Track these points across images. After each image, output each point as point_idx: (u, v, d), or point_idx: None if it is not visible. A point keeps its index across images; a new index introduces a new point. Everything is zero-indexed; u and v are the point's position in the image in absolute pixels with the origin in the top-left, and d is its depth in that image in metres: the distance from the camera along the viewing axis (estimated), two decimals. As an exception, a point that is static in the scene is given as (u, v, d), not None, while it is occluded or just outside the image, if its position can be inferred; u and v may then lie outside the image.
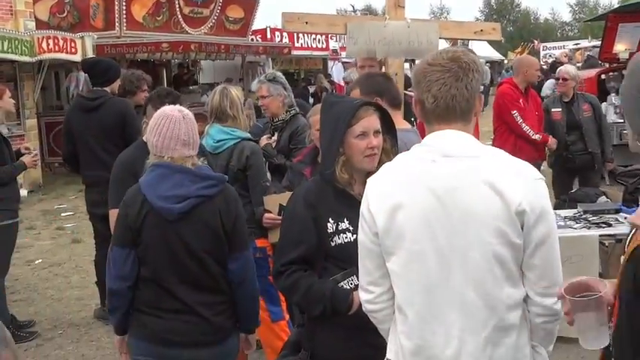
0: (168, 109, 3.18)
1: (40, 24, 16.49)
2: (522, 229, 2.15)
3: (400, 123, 3.72)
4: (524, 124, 6.89)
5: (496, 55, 45.28)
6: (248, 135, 4.71)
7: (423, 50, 5.29)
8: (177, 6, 18.72)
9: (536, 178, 2.22)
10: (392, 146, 3.00)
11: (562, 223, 5.33)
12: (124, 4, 17.07)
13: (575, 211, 5.87)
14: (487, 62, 36.05)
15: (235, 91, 4.69)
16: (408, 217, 2.22)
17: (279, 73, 5.45)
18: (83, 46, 14.37)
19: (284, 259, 2.94)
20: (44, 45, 13.39)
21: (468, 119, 2.29)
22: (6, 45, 12.47)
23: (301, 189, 3.10)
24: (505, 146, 6.96)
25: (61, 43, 13.76)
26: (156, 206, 3.03)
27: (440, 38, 5.43)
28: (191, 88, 20.06)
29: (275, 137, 5.40)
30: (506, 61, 45.02)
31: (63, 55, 13.84)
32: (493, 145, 7.20)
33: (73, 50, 14.09)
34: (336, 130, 2.89)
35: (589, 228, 5.40)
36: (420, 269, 2.23)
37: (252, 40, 20.89)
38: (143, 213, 3.06)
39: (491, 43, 52.14)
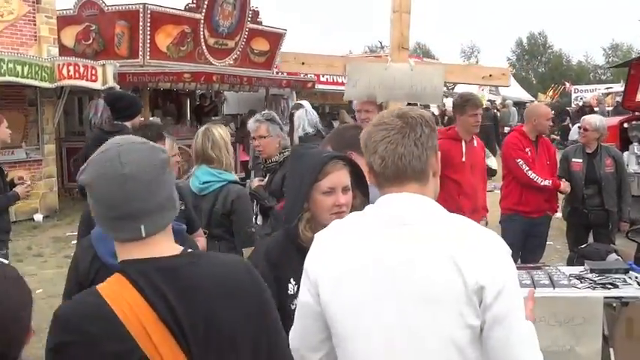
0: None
1: (65, 50, 16.67)
2: (480, 306, 1.91)
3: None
4: (530, 172, 6.61)
5: (526, 96, 44.91)
6: (235, 177, 4.54)
7: (427, 95, 5.11)
8: (202, 37, 18.80)
9: (501, 251, 1.98)
10: (362, 203, 2.78)
11: (566, 282, 5.03)
12: (148, 33, 17.16)
13: (581, 268, 5.57)
14: (515, 104, 35.72)
15: (220, 131, 4.53)
16: (354, 287, 1.99)
17: (274, 114, 5.28)
18: (104, 74, 14.41)
19: None
20: (64, 71, 13.44)
21: (424, 180, 2.07)
22: (26, 70, 12.54)
23: (262, 246, 2.89)
24: (511, 196, 6.70)
25: (81, 70, 13.81)
26: (107, 263, 2.77)
27: (446, 83, 5.23)
28: (213, 118, 20.07)
29: (267, 179, 5.22)
30: (536, 103, 44.65)
31: (83, 82, 13.88)
32: (501, 194, 6.95)
33: (94, 77, 14.13)
34: (302, 185, 2.70)
35: (593, 288, 5.09)
36: (363, 349, 2.00)
37: (276, 73, 20.84)
38: (94, 270, 2.85)
39: (521, 84, 51.99)
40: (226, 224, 4.41)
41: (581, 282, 5.21)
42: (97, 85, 14.22)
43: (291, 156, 2.95)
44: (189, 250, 2.01)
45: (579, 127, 7.57)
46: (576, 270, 5.50)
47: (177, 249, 1.97)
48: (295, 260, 2.67)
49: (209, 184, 4.44)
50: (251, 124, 5.16)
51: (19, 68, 12.38)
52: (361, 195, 2.80)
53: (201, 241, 4.14)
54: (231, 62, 20.12)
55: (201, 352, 1.79)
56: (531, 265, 5.39)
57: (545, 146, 6.87)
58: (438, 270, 1.91)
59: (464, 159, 5.90)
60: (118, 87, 15.12)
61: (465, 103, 5.95)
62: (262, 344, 1.90)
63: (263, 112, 5.25)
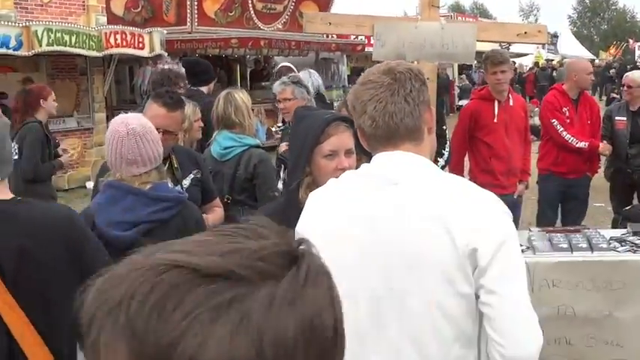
0: (117, 123, 2.88)
1: (115, 19, 16.80)
2: (474, 273, 1.79)
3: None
4: (565, 133, 6.29)
5: (587, 55, 43.57)
6: (257, 142, 4.47)
7: (458, 54, 4.92)
8: (250, 2, 18.69)
9: (497, 211, 1.85)
10: None
11: (605, 245, 4.82)
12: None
13: (623, 231, 5.34)
14: (575, 62, 34.66)
15: (241, 96, 4.45)
16: (341, 248, 1.88)
17: (301, 76, 5.17)
18: (151, 41, 14.46)
19: None
20: (112, 40, 13.54)
21: (418, 138, 1.95)
22: (74, 39, 12.67)
23: (262, 211, 2.82)
24: (547, 157, 6.45)
25: (128, 38, 13.88)
26: (105, 233, 2.77)
27: (478, 41, 5.02)
28: (263, 84, 20.04)
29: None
30: (597, 61, 43.33)
31: (130, 50, 13.96)
32: (539, 154, 6.69)
33: (141, 45, 14.20)
34: (303, 148, 2.58)
35: (635, 252, 4.88)
36: (349, 312, 1.91)
37: (326, 36, 20.64)
38: None
39: (583, 42, 50.45)
40: (249, 189, 4.34)
41: (622, 245, 4.99)
42: (145, 53, 14.29)
43: (293, 118, 2.83)
44: (19, 198, 2.35)
45: (623, 85, 7.18)
46: (618, 233, 5.28)
47: (8, 195, 2.31)
48: (296, 226, 2.60)
49: (231, 149, 4.37)
50: (276, 86, 5.07)
51: (67, 37, 12.51)
52: (367, 159, 2.69)
53: (217, 211, 4.07)
54: (280, 27, 19.98)
55: (12, 277, 2.17)
56: (570, 228, 5.18)
57: (587, 104, 6.53)
58: (425, 231, 1.80)
59: (496, 120, 5.68)
60: (165, 54, 15.19)
61: (485, 60, 5.72)
62: (72, 279, 2.15)
63: (290, 75, 5.15)
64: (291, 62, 21.48)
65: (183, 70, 6.77)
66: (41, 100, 6.18)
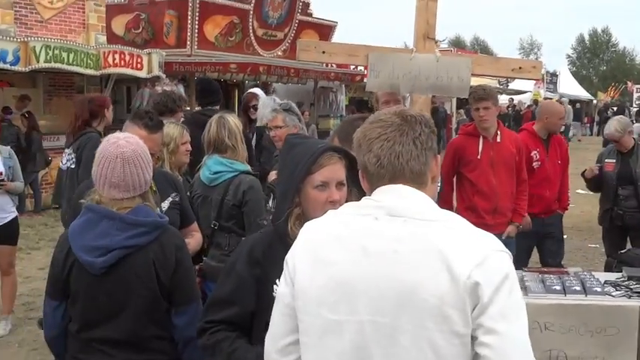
0: (109, 143, 2.77)
1: (115, 38, 16.85)
2: (473, 311, 1.70)
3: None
4: None
5: (585, 95, 43.82)
6: (247, 168, 4.36)
7: (452, 87, 4.85)
8: (250, 28, 18.79)
9: (498, 249, 1.77)
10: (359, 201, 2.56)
11: (599, 289, 4.71)
12: (196, 23, 17.21)
13: (618, 275, 5.23)
14: (573, 102, 34.81)
15: (234, 120, 4.36)
16: (332, 277, 1.82)
17: (293, 104, 5.09)
18: (150, 62, 14.44)
19: (211, 316, 2.53)
20: (110, 59, 13.51)
21: (422, 182, 1.88)
22: (72, 57, 12.64)
23: (247, 241, 2.69)
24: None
25: (127, 58, 13.86)
26: (80, 259, 2.68)
27: (475, 75, 4.96)
28: (260, 110, 20.05)
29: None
30: (595, 102, 43.58)
31: (128, 71, 13.93)
32: None
33: (139, 66, 14.17)
34: (293, 177, 2.47)
35: (630, 297, 4.77)
36: (334, 346, 1.81)
37: (325, 65, 20.71)
38: (68, 264, 2.72)
39: (581, 82, 50.72)
40: (237, 216, 4.24)
41: (617, 289, 4.89)
42: (143, 74, 14.27)
43: (283, 146, 2.72)
44: None
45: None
46: (612, 276, 5.17)
47: None
48: (282, 260, 2.48)
49: (220, 174, 4.27)
50: (267, 113, 4.99)
51: (64, 55, 12.48)
52: (357, 192, 2.58)
53: (196, 235, 3.97)
54: (280, 54, 20.06)
55: None
56: (564, 270, 5.08)
57: (557, 144, 6.49)
58: (423, 265, 1.73)
59: (479, 156, 5.54)
60: (164, 76, 15.20)
61: (470, 95, 5.45)
62: None
63: (281, 102, 5.07)
64: (290, 90, 21.67)
65: (182, 91, 6.74)
66: (105, 110, 6.02)
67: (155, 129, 3.62)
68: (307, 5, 21.15)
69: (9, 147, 6.98)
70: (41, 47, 12.02)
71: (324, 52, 4.64)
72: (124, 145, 2.74)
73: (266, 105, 5.40)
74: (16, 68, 11.84)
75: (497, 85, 31.21)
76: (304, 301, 1.86)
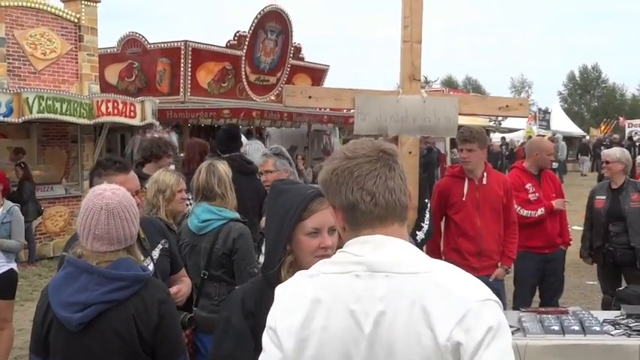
0: (94, 194, 2.71)
1: (109, 87, 16.97)
2: None
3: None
4: (522, 210, 6.21)
5: (577, 131, 44.06)
6: (237, 215, 4.33)
7: (440, 127, 4.88)
8: (243, 73, 18.93)
9: (482, 299, 1.70)
10: None
11: (597, 328, 4.65)
12: (189, 70, 17.35)
13: (617, 313, 5.18)
14: (566, 139, 34.97)
15: (223, 167, 4.35)
16: (323, 344, 1.75)
17: (284, 148, 5.11)
18: (143, 110, 14.51)
19: None
20: (103, 108, 13.58)
21: (404, 217, 1.85)
22: (65, 107, 12.71)
23: (238, 293, 2.62)
24: (520, 234, 6.25)
25: (120, 106, 13.93)
26: (58, 315, 2.61)
27: (460, 115, 4.99)
28: (254, 154, 20.11)
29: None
30: (587, 137, 43.77)
31: (122, 119, 13.99)
32: None
33: (132, 114, 14.24)
34: (284, 225, 2.41)
35: (629, 335, 4.71)
36: None
37: (318, 109, 20.84)
38: (47, 321, 2.66)
39: (573, 118, 51.04)
40: (227, 265, 4.20)
41: (616, 328, 4.83)
42: (136, 122, 14.33)
43: (271, 192, 2.67)
44: None
45: (604, 162, 7.13)
46: (611, 315, 5.12)
47: None
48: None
49: (209, 222, 4.24)
50: (258, 158, 5.00)
51: (57, 105, 12.54)
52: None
53: (185, 281, 3.93)
54: (273, 98, 20.18)
55: None
56: (561, 309, 5.03)
57: (549, 179, 6.53)
58: (407, 324, 1.67)
59: (464, 198, 5.51)
60: (157, 123, 15.26)
61: (456, 136, 5.47)
62: None
63: (271, 147, 5.09)
64: (284, 134, 21.77)
65: (174, 138, 6.75)
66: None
67: (127, 168, 3.57)
68: (299, 50, 21.35)
69: (14, 205, 6.87)
70: (34, 98, 12.09)
71: (310, 97, 4.67)
72: (110, 196, 2.68)
73: (256, 150, 5.43)
74: (10, 120, 11.89)
75: (490, 124, 31.40)
76: None
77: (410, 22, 4.85)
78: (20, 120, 12.03)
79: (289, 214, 2.42)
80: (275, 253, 2.46)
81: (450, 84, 65.99)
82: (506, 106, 5.00)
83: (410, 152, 4.82)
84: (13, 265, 6.51)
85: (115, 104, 13.88)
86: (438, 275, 1.74)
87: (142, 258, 2.91)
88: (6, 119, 11.85)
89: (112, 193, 2.71)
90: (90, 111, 13.33)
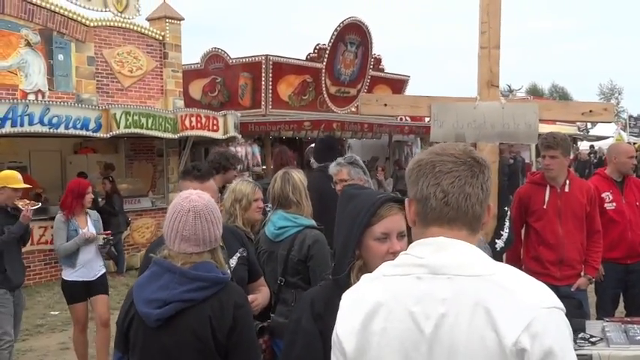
0: (181, 197, 2.83)
1: (193, 102, 17.42)
2: None
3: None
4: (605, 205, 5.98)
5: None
6: (312, 223, 4.34)
7: (520, 134, 4.77)
8: (323, 86, 19.06)
9: (548, 306, 1.65)
10: None
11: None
12: (270, 84, 17.59)
13: None
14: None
15: (298, 175, 4.38)
16: (382, 345, 1.74)
17: (358, 157, 5.08)
18: (225, 124, 14.82)
19: None
20: (187, 122, 13.94)
21: (476, 228, 1.80)
22: (150, 122, 13.09)
23: (307, 296, 2.63)
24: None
25: (203, 120, 14.27)
26: (139, 311, 2.71)
27: (545, 122, 4.86)
28: (335, 166, 20.17)
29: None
30: (616, 142, 41.83)
31: (205, 133, 14.32)
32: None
33: (215, 128, 14.55)
34: (353, 230, 2.42)
35: None
36: None
37: (399, 119, 20.76)
38: (129, 316, 2.76)
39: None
40: (303, 272, 4.21)
41: None
42: (219, 135, 14.64)
43: (341, 197, 2.68)
44: None
45: None
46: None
47: None
48: None
49: (285, 229, 4.27)
50: (332, 167, 5.00)
51: (143, 120, 12.94)
52: None
53: (264, 290, 3.96)
54: (354, 110, 20.21)
55: None
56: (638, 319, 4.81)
57: (633, 186, 6.18)
58: (470, 327, 1.64)
59: (545, 206, 5.31)
60: (239, 136, 15.56)
61: (539, 143, 5.34)
62: None
63: (345, 156, 5.08)
64: (365, 145, 21.76)
65: (256, 151, 6.84)
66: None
67: (205, 177, 3.68)
68: (379, 61, 21.35)
69: (95, 211, 7.38)
70: (121, 114, 12.52)
71: (385, 105, 4.64)
72: (196, 199, 2.78)
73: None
74: (99, 135, 12.34)
75: (578, 132, 30.50)
76: None
77: (487, 27, 4.77)
78: (108, 135, 12.46)
79: (358, 219, 2.42)
80: (344, 257, 2.47)
81: (535, 92, 64.51)
82: (590, 111, 4.83)
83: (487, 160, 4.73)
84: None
85: (199, 118, 14.22)
86: (501, 278, 1.70)
87: (224, 263, 2.96)
88: (95, 135, 12.30)
89: (198, 197, 2.82)
90: (174, 125, 13.70)
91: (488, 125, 4.70)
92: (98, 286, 6.93)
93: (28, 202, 6.69)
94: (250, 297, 3.73)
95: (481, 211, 1.79)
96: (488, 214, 1.84)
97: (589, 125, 30.92)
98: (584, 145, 32.96)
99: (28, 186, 7.42)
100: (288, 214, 4.31)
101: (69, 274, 6.78)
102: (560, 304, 1.68)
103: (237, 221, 4.47)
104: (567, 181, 5.32)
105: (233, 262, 3.74)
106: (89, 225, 6.89)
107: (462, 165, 1.78)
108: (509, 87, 31.76)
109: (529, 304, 1.64)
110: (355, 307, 1.82)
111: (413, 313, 1.71)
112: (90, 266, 6.84)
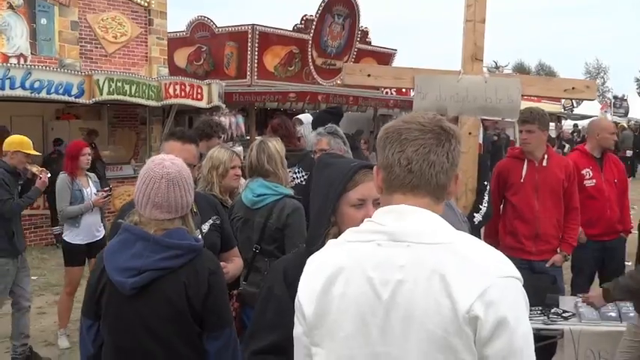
0: (154, 163, 2.77)
1: (178, 71, 17.27)
2: (476, 342, 1.61)
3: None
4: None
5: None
6: (291, 192, 4.33)
7: (502, 108, 4.78)
8: (309, 57, 18.95)
9: (505, 275, 1.65)
10: None
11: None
12: (256, 54, 17.46)
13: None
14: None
15: (275, 144, 4.35)
16: (341, 311, 1.74)
17: (338, 127, 5.07)
18: (209, 93, 14.70)
19: (255, 345, 2.42)
20: (171, 90, 13.80)
21: (440, 197, 1.80)
22: (134, 89, 12.96)
23: (280, 263, 2.61)
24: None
25: (187, 89, 14.14)
26: (112, 279, 2.68)
27: (528, 99, 4.86)
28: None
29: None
30: (598, 117, 42.02)
31: (189, 101, 14.20)
32: None
33: (199, 97, 14.44)
34: (328, 196, 2.40)
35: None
36: None
37: (385, 92, 20.69)
38: (101, 284, 2.73)
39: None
40: (279, 240, 4.19)
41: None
42: (203, 104, 14.52)
43: (317, 165, 2.66)
44: None
45: None
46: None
47: None
48: None
49: (264, 197, 4.25)
50: (312, 137, 4.98)
51: (127, 87, 12.81)
52: None
53: (236, 260, 3.94)
54: (339, 82, 20.12)
55: None
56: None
57: (612, 163, 6.23)
58: (426, 293, 1.64)
59: (522, 180, 5.30)
60: (224, 106, 15.44)
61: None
62: None
63: (326, 126, 5.05)
64: (350, 118, 21.71)
65: (240, 121, 6.79)
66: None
67: (187, 140, 3.65)
68: (366, 34, 21.23)
69: (94, 174, 7.55)
70: (104, 80, 12.38)
71: (369, 76, 4.62)
72: (169, 165, 2.75)
73: (310, 130, 5.41)
74: (81, 101, 12.21)
75: (562, 110, 30.58)
76: (316, 338, 1.81)
77: (474, 1, 4.75)
78: (91, 101, 12.33)
79: (334, 185, 2.40)
80: (319, 225, 2.45)
81: (521, 69, 64.56)
82: (572, 88, 4.84)
83: (470, 133, 4.73)
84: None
85: (183, 87, 14.09)
86: (460, 246, 1.70)
87: (195, 229, 2.94)
88: (77, 100, 12.17)
89: (171, 162, 2.77)
90: (158, 93, 13.57)
91: (471, 99, 4.70)
92: (99, 249, 6.92)
93: (41, 168, 6.76)
94: (221, 264, 3.71)
95: (446, 180, 1.79)
96: (455, 183, 1.84)
97: (574, 104, 30.98)
98: (568, 124, 33.09)
99: (39, 154, 7.45)
100: (269, 182, 4.29)
101: (72, 237, 6.95)
102: (518, 274, 1.69)
103: (214, 188, 4.46)
104: (545, 156, 5.31)
105: (205, 227, 3.72)
106: (91, 185, 7.08)
107: (429, 133, 1.78)
108: (496, 63, 31.65)
109: (485, 272, 1.65)
110: (317, 271, 1.83)
111: (371, 278, 1.72)
112: (93, 228, 7.07)
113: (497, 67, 29.85)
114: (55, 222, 12.07)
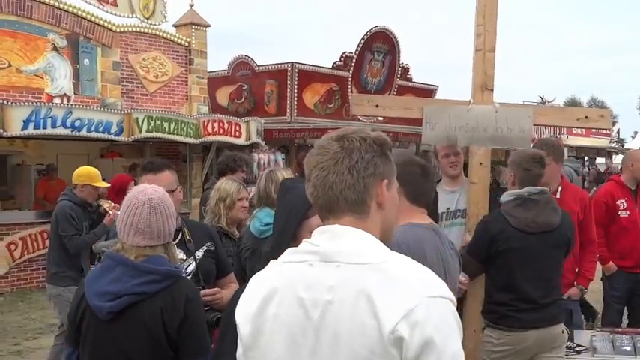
0: (137, 191, 2.84)
1: (219, 109, 17.57)
2: None
3: (415, 217, 3.17)
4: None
5: None
6: (298, 222, 4.33)
7: (513, 138, 4.70)
8: (349, 94, 19.03)
9: (433, 295, 1.61)
10: None
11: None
12: (295, 91, 17.64)
13: None
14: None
15: (284, 174, 4.38)
16: (274, 332, 1.74)
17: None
18: (248, 130, 14.89)
19: None
20: (209, 128, 14.03)
21: (362, 211, 1.77)
22: (172, 127, 13.21)
23: (242, 288, 2.64)
24: (611, 251, 5.92)
25: (225, 126, 14.36)
26: (90, 303, 2.71)
27: (574, 134, 4.78)
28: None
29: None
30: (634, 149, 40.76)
31: (227, 138, 14.38)
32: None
33: (237, 134, 14.62)
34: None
35: None
36: None
37: (426, 129, 20.61)
38: (81, 310, 2.76)
39: None
40: (287, 269, 4.21)
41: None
42: (241, 141, 14.68)
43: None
44: None
45: None
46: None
47: None
48: None
49: (271, 226, 4.26)
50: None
51: (165, 125, 13.07)
52: None
53: (232, 287, 3.93)
54: (381, 119, 20.14)
55: None
56: (637, 330, 4.71)
57: None
58: (352, 313, 1.62)
59: None
60: (262, 143, 15.59)
61: None
62: None
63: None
64: (395, 154, 21.62)
65: (279, 158, 6.85)
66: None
67: (158, 168, 3.68)
68: (407, 70, 21.25)
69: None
70: (143, 118, 12.66)
71: (377, 106, 4.62)
72: (152, 193, 2.81)
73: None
74: (120, 138, 12.49)
75: (611, 145, 30.01)
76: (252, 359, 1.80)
77: (483, 30, 4.73)
78: (130, 139, 12.59)
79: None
80: (279, 250, 2.45)
81: (573, 105, 63.60)
82: (585, 117, 4.73)
83: (480, 163, 4.68)
84: None
85: (221, 124, 14.31)
86: (390, 266, 1.67)
87: (179, 258, 2.97)
88: (117, 138, 12.46)
89: (153, 190, 2.84)
90: (196, 131, 13.80)
91: (481, 129, 4.64)
92: None
93: (113, 204, 6.50)
94: (214, 289, 3.70)
95: (357, 195, 1.76)
96: (381, 190, 1.80)
97: (620, 137, 30.35)
98: (618, 160, 32.40)
99: (108, 185, 7.19)
100: (275, 212, 4.30)
101: None
102: (449, 294, 1.65)
103: (221, 220, 4.49)
104: (559, 188, 5.19)
105: (199, 254, 3.74)
106: None
107: (326, 155, 1.78)
108: (542, 98, 31.31)
109: (412, 292, 1.61)
110: (255, 291, 1.83)
111: (302, 299, 1.70)
112: None
113: (543, 102, 29.53)
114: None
